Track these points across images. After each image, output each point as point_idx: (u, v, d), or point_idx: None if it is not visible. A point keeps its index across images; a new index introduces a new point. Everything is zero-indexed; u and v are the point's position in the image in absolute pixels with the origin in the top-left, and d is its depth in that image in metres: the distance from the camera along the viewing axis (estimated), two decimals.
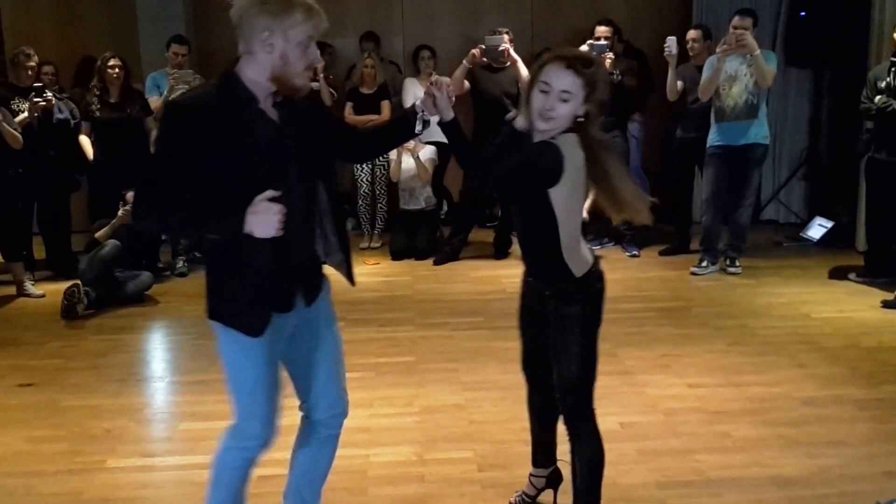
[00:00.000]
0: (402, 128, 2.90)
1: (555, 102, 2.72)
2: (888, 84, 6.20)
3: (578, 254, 2.87)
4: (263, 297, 2.61)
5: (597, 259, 2.96)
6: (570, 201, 2.79)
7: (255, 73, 2.51)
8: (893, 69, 6.20)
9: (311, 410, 2.94)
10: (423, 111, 2.79)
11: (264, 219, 2.41)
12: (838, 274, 6.84)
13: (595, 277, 2.91)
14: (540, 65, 2.79)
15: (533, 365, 3.15)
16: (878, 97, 6.22)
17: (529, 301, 3.07)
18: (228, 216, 2.46)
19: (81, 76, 8.10)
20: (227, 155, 2.48)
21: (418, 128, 2.81)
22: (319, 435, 2.97)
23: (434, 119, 2.79)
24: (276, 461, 3.79)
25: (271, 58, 2.48)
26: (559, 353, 2.91)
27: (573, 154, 2.73)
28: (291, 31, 2.46)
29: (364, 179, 8.12)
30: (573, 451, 3.02)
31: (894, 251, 6.56)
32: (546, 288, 2.92)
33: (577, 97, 2.73)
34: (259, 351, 2.67)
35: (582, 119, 2.76)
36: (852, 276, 6.68)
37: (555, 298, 2.90)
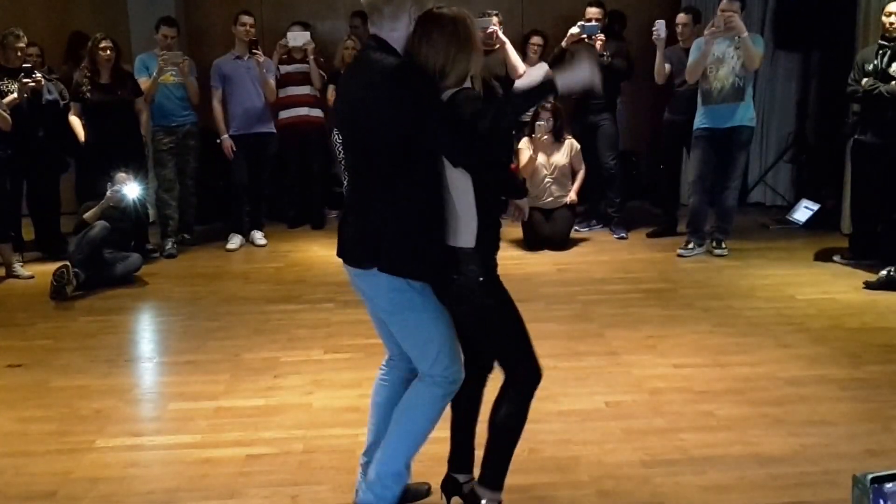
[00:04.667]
0: None
1: None
2: (875, 67, 6.21)
3: None
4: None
5: None
6: None
7: (399, 45, 2.84)
8: (881, 52, 6.22)
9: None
10: None
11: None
12: (823, 256, 6.89)
13: None
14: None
15: None
16: (864, 80, 6.25)
17: None
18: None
19: (71, 53, 8.06)
20: None
21: None
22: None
23: None
24: (265, 440, 3.85)
25: (408, 32, 2.84)
26: None
27: None
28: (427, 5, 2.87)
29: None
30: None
31: (879, 233, 6.61)
32: None
33: None
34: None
35: None
36: (837, 258, 6.72)
37: None
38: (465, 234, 2.84)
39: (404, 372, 3.13)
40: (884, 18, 6.26)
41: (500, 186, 3.04)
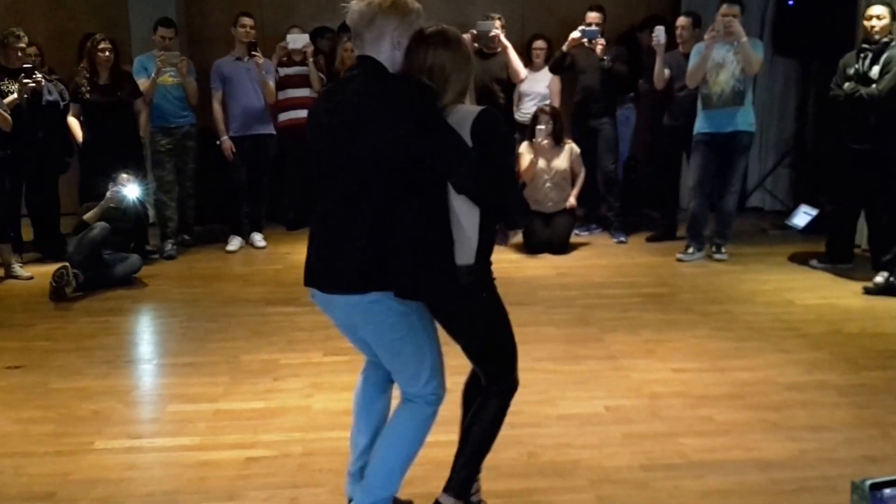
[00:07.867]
0: None
1: None
2: (857, 70, 6.18)
3: None
4: None
5: None
6: None
7: (392, 68, 2.79)
8: (862, 55, 6.19)
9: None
10: None
11: None
12: (799, 259, 6.93)
13: None
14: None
15: None
16: (846, 84, 6.22)
17: None
18: None
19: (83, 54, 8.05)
20: None
21: None
22: None
23: None
24: (264, 443, 3.85)
25: (399, 53, 2.77)
26: None
27: None
28: (412, 27, 2.77)
29: None
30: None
31: (851, 237, 6.66)
32: None
33: None
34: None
35: None
36: (814, 262, 6.72)
37: None
38: (465, 250, 2.77)
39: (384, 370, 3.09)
40: (865, 22, 6.22)
41: (509, 216, 2.90)
